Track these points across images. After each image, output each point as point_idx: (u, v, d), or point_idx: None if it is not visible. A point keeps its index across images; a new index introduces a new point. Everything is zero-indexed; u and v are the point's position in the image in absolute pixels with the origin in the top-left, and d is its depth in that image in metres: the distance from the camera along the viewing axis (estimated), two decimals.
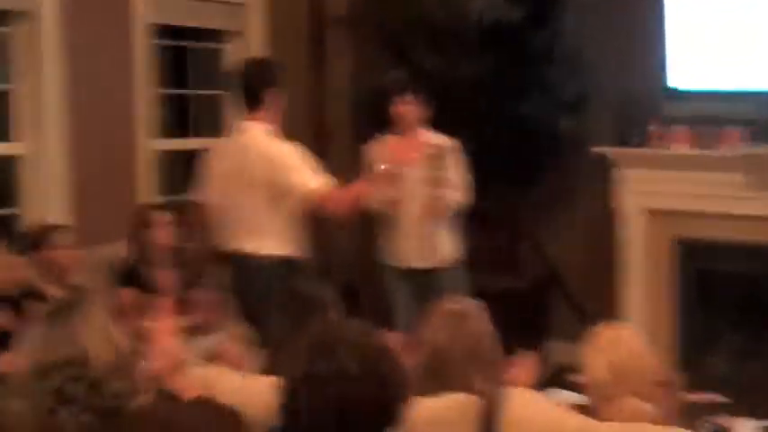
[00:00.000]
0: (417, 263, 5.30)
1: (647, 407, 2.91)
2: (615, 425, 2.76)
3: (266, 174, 4.38)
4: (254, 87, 4.50)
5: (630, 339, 2.99)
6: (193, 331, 4.79)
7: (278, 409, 2.32)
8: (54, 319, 2.42)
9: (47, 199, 5.11)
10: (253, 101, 4.49)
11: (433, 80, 5.99)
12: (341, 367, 2.25)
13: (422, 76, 5.97)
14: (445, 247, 5.33)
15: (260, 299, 4.20)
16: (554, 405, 2.92)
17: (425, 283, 5.21)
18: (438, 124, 5.55)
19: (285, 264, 4.47)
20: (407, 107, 5.26)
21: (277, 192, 4.41)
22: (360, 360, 2.27)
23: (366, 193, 4.71)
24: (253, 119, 4.50)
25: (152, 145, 5.71)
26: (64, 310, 2.44)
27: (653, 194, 5.97)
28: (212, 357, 4.53)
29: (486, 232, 6.08)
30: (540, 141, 6.16)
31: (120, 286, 4.72)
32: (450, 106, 5.97)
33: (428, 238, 5.27)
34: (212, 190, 4.58)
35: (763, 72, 5.70)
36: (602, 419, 2.84)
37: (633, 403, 2.89)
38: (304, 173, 4.39)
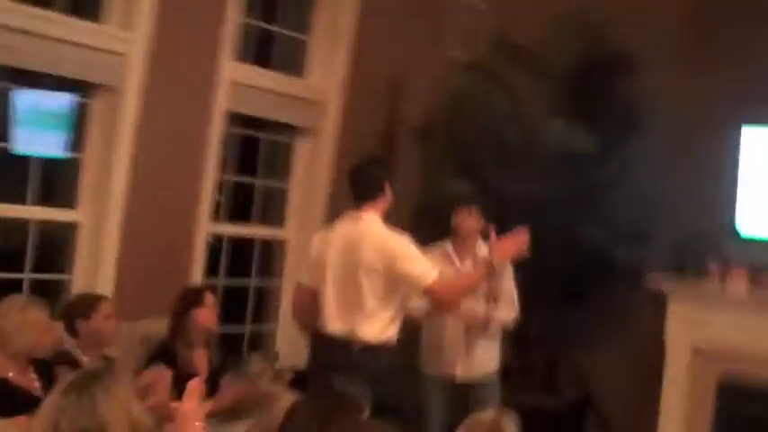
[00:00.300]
0: (460, 375, 5.26)
1: None
2: None
3: (387, 263, 4.40)
4: (378, 180, 4.61)
5: None
6: (222, 416, 4.81)
7: None
8: (77, 387, 2.41)
9: (97, 268, 5.18)
10: (372, 193, 4.58)
11: (498, 197, 6.05)
12: None
13: (487, 193, 6.05)
14: (489, 361, 5.30)
15: (357, 379, 4.24)
16: None
17: (464, 395, 5.16)
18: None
19: (384, 349, 4.43)
20: (471, 218, 5.28)
21: (394, 281, 4.41)
22: None
23: (474, 285, 4.73)
24: (366, 210, 4.57)
25: (210, 228, 5.77)
26: (88, 380, 2.43)
27: (701, 331, 5.89)
28: None
29: (528, 350, 6.04)
30: (595, 268, 6.13)
31: (155, 363, 4.75)
32: (511, 224, 6.00)
33: (474, 350, 5.24)
34: (318, 274, 4.57)
35: None
36: None
37: None
38: (422, 264, 4.44)
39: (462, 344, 5.23)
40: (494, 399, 5.10)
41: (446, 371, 5.27)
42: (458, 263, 5.25)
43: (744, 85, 5.94)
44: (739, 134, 5.92)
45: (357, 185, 4.63)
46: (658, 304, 6.04)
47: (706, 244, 5.96)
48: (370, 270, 4.38)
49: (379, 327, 4.38)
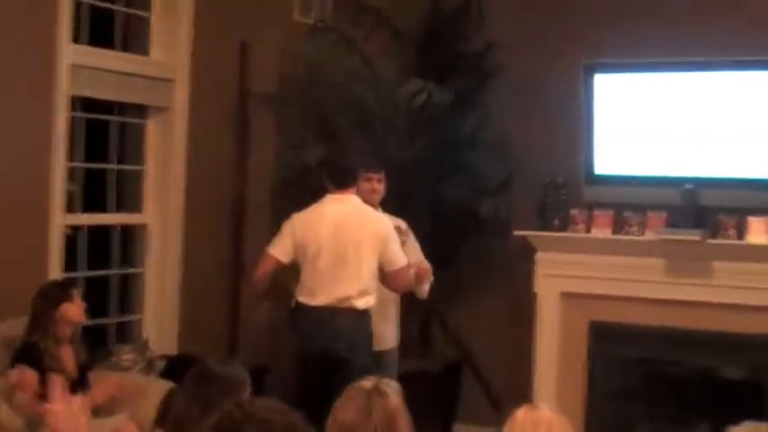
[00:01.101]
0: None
1: None
2: None
3: (382, 241, 4.95)
4: (355, 167, 5.12)
5: (550, 424, 2.90)
6: (94, 411, 4.66)
7: None
8: None
9: None
10: (353, 179, 5.08)
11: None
12: None
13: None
14: (391, 331, 5.34)
15: (342, 345, 4.86)
16: None
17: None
18: None
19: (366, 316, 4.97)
20: (380, 185, 5.28)
21: (381, 258, 4.94)
22: None
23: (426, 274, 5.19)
24: (349, 193, 5.05)
25: (65, 219, 5.56)
26: None
27: (569, 278, 5.99)
28: None
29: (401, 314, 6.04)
30: (461, 224, 6.15)
31: (19, 364, 4.56)
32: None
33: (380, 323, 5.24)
34: (301, 252, 5.00)
35: (685, 159, 5.76)
36: None
37: None
38: (399, 248, 5.03)
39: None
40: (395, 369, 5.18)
41: None
42: None
43: (590, 28, 6.00)
44: (591, 79, 5.97)
45: (338, 173, 5.07)
46: (526, 255, 6.09)
47: (567, 190, 6.02)
48: (369, 247, 4.91)
49: (368, 296, 4.93)
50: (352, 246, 4.94)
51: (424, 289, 5.32)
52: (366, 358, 4.92)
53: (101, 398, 4.69)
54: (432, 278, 5.30)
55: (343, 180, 5.07)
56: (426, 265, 5.30)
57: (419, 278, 5.20)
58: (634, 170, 5.93)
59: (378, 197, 5.29)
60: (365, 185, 5.23)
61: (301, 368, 5.03)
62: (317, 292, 4.97)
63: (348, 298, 4.93)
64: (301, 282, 5.04)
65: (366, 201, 5.20)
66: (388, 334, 5.34)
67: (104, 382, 4.78)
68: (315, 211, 5.09)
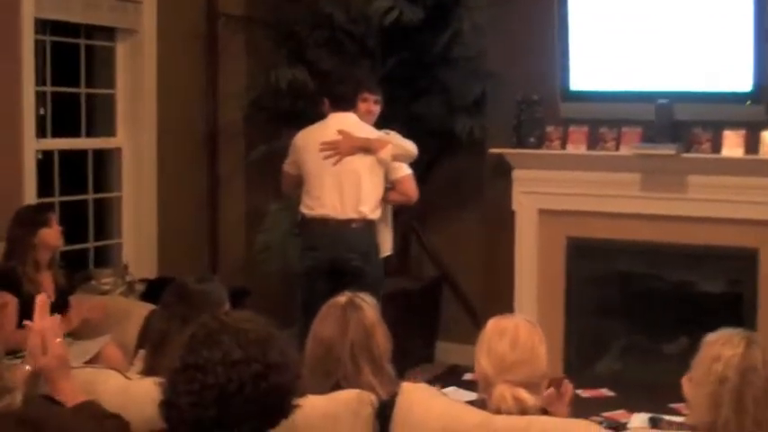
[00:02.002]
0: None
1: (530, 397, 2.82)
2: (513, 418, 2.70)
3: (384, 153, 5.11)
4: (354, 91, 5.21)
5: (516, 330, 2.91)
6: (75, 334, 4.67)
7: (159, 405, 2.21)
8: None
9: None
10: (353, 101, 5.18)
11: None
12: (224, 354, 2.16)
13: (319, 77, 5.95)
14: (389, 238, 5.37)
15: (354, 253, 5.02)
16: (452, 401, 2.86)
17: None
18: None
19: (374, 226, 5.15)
20: (377, 107, 5.28)
21: (385, 168, 5.14)
22: (245, 345, 2.18)
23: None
24: (348, 112, 5.16)
25: (37, 145, 5.51)
26: None
27: (546, 195, 6.00)
28: (95, 360, 4.42)
29: None
30: (437, 142, 6.13)
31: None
32: None
33: None
34: (309, 164, 5.12)
35: (660, 73, 5.74)
36: (488, 411, 2.77)
37: (515, 393, 2.81)
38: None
39: None
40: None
41: None
42: None
43: None
44: None
45: (340, 100, 5.16)
46: (503, 173, 6.09)
47: (543, 107, 6.00)
48: (372, 159, 5.07)
49: (378, 208, 5.11)
50: (359, 158, 5.06)
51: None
52: (379, 269, 5.11)
53: (77, 319, 4.70)
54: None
55: (345, 106, 5.16)
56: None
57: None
58: (609, 86, 5.90)
59: (373, 118, 5.28)
60: (362, 106, 5.22)
61: (307, 281, 5.08)
62: (326, 204, 5.06)
63: (357, 207, 5.05)
64: (308, 195, 5.12)
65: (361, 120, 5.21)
66: (387, 241, 5.36)
67: (81, 305, 4.78)
68: (319, 126, 5.17)
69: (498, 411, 2.75)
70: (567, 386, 3.14)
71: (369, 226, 5.10)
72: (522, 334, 2.89)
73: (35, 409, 2.48)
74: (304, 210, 5.14)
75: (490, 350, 2.87)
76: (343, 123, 5.12)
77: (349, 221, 5.05)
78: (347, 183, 5.07)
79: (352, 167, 5.08)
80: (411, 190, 5.23)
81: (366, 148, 5.12)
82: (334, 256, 5.06)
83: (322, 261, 5.07)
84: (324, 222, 5.06)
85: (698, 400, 2.76)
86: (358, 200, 5.07)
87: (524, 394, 2.80)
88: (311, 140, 5.14)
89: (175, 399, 2.17)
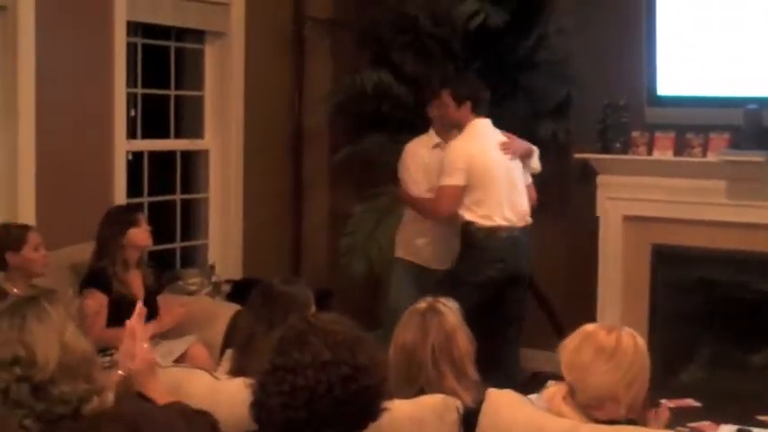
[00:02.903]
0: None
1: (622, 410, 2.79)
2: (601, 427, 2.68)
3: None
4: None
5: (598, 337, 2.85)
6: (163, 334, 4.75)
7: (249, 406, 2.24)
8: (8, 313, 2.32)
9: (16, 198, 5.01)
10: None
11: (416, 84, 5.98)
12: (313, 355, 2.18)
13: (404, 79, 5.97)
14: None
15: (527, 261, 5.24)
16: (538, 409, 2.85)
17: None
18: (420, 128, 5.53)
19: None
20: (440, 110, 5.29)
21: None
22: (334, 347, 2.20)
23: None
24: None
25: (128, 146, 5.62)
26: (19, 309, 2.34)
27: (631, 201, 5.94)
28: (181, 360, 4.49)
29: None
30: None
31: (89, 288, 4.65)
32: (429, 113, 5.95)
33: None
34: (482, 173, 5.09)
35: (748, 78, 5.66)
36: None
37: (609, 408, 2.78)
38: None
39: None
40: None
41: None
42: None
43: None
44: None
45: (482, 103, 5.22)
46: (587, 178, 6.05)
47: (629, 112, 5.95)
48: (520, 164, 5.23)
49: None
50: (515, 164, 5.18)
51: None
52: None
53: (169, 322, 4.77)
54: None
55: (484, 109, 5.21)
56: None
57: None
58: (696, 91, 5.83)
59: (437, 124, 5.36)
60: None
61: (483, 291, 5.05)
62: (505, 213, 5.09)
63: (526, 214, 5.19)
64: (481, 204, 5.05)
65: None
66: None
67: (173, 308, 4.84)
68: (477, 134, 5.16)
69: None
70: (665, 410, 3.09)
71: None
72: (595, 338, 2.80)
73: (128, 407, 2.52)
74: (478, 219, 5.05)
75: (561, 349, 2.82)
76: (492, 129, 5.21)
77: (525, 229, 5.17)
78: (516, 190, 5.18)
79: (517, 174, 5.20)
80: (534, 195, 5.37)
81: (528, 154, 5.27)
82: (518, 266, 5.17)
83: (507, 272, 5.10)
84: (510, 232, 5.10)
85: None
86: (524, 206, 5.19)
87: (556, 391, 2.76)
88: (478, 149, 5.11)
89: (266, 400, 2.21)
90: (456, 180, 5.03)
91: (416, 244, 5.38)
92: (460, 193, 5.05)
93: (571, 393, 2.78)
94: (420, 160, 5.32)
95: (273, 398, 2.19)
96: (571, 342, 2.83)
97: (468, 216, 5.05)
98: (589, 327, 2.89)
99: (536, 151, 5.36)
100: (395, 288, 5.37)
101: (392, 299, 5.27)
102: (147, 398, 2.72)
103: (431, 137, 5.38)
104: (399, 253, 5.44)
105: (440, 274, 5.26)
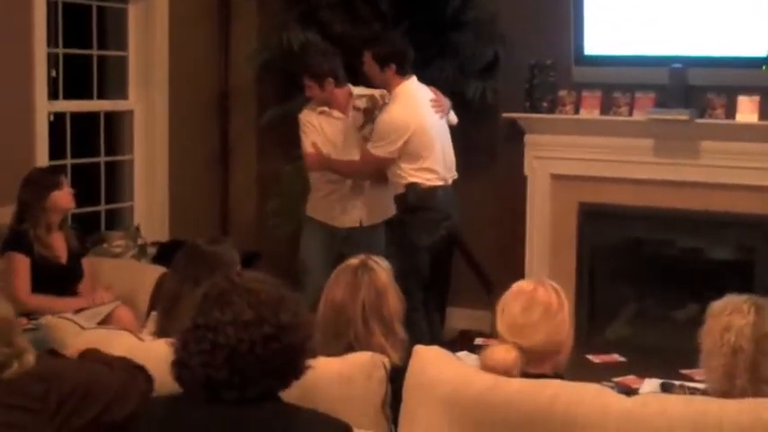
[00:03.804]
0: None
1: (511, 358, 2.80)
2: (527, 381, 2.70)
3: None
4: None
5: (533, 294, 2.88)
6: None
7: (171, 365, 2.22)
8: None
9: None
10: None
11: (343, 43, 5.92)
12: (235, 314, 2.16)
13: (331, 39, 5.92)
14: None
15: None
16: (464, 364, 2.86)
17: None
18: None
19: None
20: (313, 91, 5.29)
21: None
22: (257, 306, 2.18)
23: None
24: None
25: (49, 107, 5.51)
26: None
27: (559, 160, 5.98)
28: (106, 322, 4.44)
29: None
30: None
31: (10, 251, 4.57)
32: (359, 70, 5.90)
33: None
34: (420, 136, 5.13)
35: (674, 38, 5.70)
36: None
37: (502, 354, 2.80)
38: None
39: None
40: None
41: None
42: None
43: None
44: None
45: (406, 62, 5.19)
46: (515, 137, 6.06)
47: (556, 71, 5.96)
48: None
49: None
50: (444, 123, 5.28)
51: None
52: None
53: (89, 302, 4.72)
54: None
55: (409, 68, 5.20)
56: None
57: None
58: (623, 50, 5.86)
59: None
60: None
61: (433, 252, 5.15)
62: (441, 170, 5.14)
63: (454, 170, 5.30)
64: (421, 164, 5.09)
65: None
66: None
67: (102, 295, 4.76)
68: (410, 101, 5.14)
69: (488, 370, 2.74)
70: None
71: None
72: (538, 297, 2.86)
73: (48, 365, 2.51)
74: (423, 181, 5.09)
75: (503, 312, 2.86)
76: (420, 87, 5.23)
77: (454, 184, 5.27)
78: (448, 145, 5.26)
79: (446, 129, 5.28)
80: None
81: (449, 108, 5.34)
82: (456, 222, 5.28)
83: (452, 228, 5.22)
84: (448, 189, 5.19)
85: (711, 369, 2.75)
86: (453, 161, 5.29)
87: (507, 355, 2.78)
88: (414, 115, 5.10)
89: (187, 358, 2.18)
90: (386, 152, 5.06)
91: (321, 204, 5.44)
92: (388, 164, 5.09)
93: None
94: (317, 128, 5.35)
95: (194, 357, 2.16)
96: (514, 303, 2.84)
97: (411, 178, 5.07)
98: (524, 285, 2.93)
99: (450, 104, 5.40)
100: (302, 243, 5.48)
101: (300, 253, 5.44)
102: (60, 354, 2.73)
103: (315, 104, 5.41)
104: (308, 212, 5.51)
105: (344, 231, 5.37)
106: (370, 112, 5.33)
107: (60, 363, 2.66)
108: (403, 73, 5.17)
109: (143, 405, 2.46)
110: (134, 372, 2.58)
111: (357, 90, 5.39)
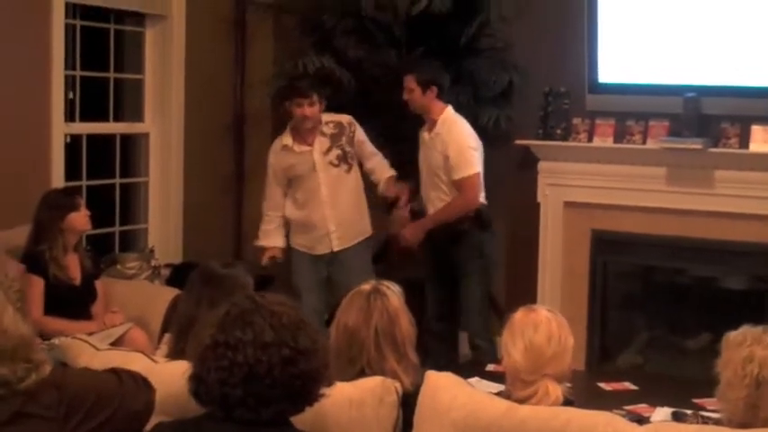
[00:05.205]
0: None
1: (561, 391, 2.86)
2: (539, 408, 2.71)
3: None
4: None
5: (549, 323, 2.92)
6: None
7: (187, 379, 2.23)
8: None
9: None
10: None
11: (357, 69, 5.96)
12: (255, 334, 2.17)
13: (346, 65, 5.95)
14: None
15: None
16: (476, 390, 2.86)
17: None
18: (361, 113, 5.53)
19: None
20: (314, 108, 5.32)
21: None
22: (278, 328, 2.19)
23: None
24: None
25: (66, 128, 5.54)
26: None
27: (572, 187, 5.99)
28: (119, 344, 4.45)
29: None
30: None
31: (26, 272, 4.59)
32: (374, 96, 5.94)
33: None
34: None
35: (688, 67, 5.71)
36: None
37: (549, 387, 2.83)
38: None
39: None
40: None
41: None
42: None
43: None
44: None
45: (446, 88, 5.44)
46: (528, 164, 6.08)
47: (570, 99, 5.98)
48: None
49: None
50: None
51: None
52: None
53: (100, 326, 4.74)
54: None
55: (445, 94, 5.43)
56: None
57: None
58: (637, 78, 5.88)
59: (314, 122, 5.40)
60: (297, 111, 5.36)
61: None
62: None
63: None
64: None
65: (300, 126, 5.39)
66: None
67: (112, 318, 4.77)
68: (463, 120, 5.43)
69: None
70: None
71: None
72: (554, 327, 2.89)
73: (59, 373, 2.54)
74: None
75: (527, 343, 2.87)
76: None
77: None
78: None
79: None
80: None
81: None
82: None
83: None
84: None
85: (730, 401, 2.73)
86: None
87: (559, 391, 2.83)
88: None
89: (204, 374, 2.19)
90: (479, 166, 5.33)
91: (297, 237, 5.58)
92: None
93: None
94: (272, 161, 5.49)
95: (212, 373, 2.18)
96: (536, 334, 2.87)
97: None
98: (535, 315, 2.94)
99: None
100: (293, 268, 5.61)
101: (292, 276, 5.58)
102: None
103: (284, 137, 5.48)
104: (291, 243, 5.63)
105: (327, 256, 5.50)
106: (338, 138, 5.37)
107: (70, 370, 2.72)
108: (442, 98, 5.29)
109: (149, 415, 2.49)
110: (138, 379, 2.60)
111: (325, 116, 5.43)
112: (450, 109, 5.38)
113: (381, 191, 5.60)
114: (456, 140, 5.29)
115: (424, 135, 5.47)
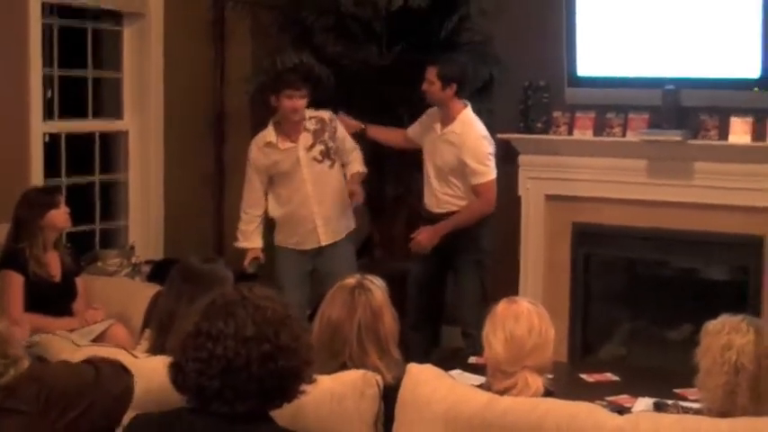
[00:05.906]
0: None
1: (541, 382, 2.87)
2: (520, 399, 2.71)
3: None
4: None
5: (530, 315, 2.93)
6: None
7: (168, 367, 2.22)
8: None
9: None
10: None
11: (337, 65, 5.95)
12: (237, 327, 2.17)
13: (325, 61, 5.94)
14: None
15: None
16: (457, 383, 2.87)
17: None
18: (341, 110, 5.54)
19: None
20: (303, 101, 5.31)
21: None
22: (260, 323, 2.18)
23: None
24: None
25: (44, 127, 5.52)
26: None
27: (553, 180, 6.00)
28: (100, 340, 4.45)
29: (387, 216, 6.06)
30: None
31: (5, 270, 4.59)
32: (354, 92, 5.93)
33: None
34: None
35: (667, 59, 5.73)
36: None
37: (528, 379, 2.84)
38: None
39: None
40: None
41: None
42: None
43: None
44: None
45: (467, 87, 5.49)
46: (509, 158, 6.08)
47: (549, 93, 5.99)
48: None
49: None
50: None
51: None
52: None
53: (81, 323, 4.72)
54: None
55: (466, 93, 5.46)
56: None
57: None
58: (616, 71, 5.89)
59: (300, 115, 5.37)
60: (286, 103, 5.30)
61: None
62: None
63: None
64: None
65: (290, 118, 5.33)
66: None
67: (94, 315, 4.76)
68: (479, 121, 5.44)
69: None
70: None
71: None
72: (535, 319, 2.90)
73: (37, 367, 2.60)
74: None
75: (507, 335, 2.87)
76: None
77: None
78: None
79: None
80: None
81: None
82: None
83: None
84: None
85: (709, 389, 2.75)
86: None
87: (539, 382, 2.83)
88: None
89: (184, 363, 2.19)
90: (495, 171, 5.35)
91: (283, 236, 5.55)
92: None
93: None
94: (254, 157, 5.43)
95: (191, 362, 2.17)
96: (516, 325, 2.88)
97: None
98: (516, 306, 2.94)
99: None
100: (276, 263, 5.59)
101: (275, 271, 5.57)
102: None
103: (267, 133, 5.44)
104: (276, 242, 5.60)
105: (313, 250, 5.47)
106: (320, 134, 5.37)
107: (47, 364, 2.75)
108: (461, 95, 5.30)
109: (129, 400, 2.53)
110: (116, 365, 2.60)
111: (308, 112, 5.41)
112: (469, 110, 5.39)
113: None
114: (474, 147, 5.30)
115: (436, 126, 5.45)
